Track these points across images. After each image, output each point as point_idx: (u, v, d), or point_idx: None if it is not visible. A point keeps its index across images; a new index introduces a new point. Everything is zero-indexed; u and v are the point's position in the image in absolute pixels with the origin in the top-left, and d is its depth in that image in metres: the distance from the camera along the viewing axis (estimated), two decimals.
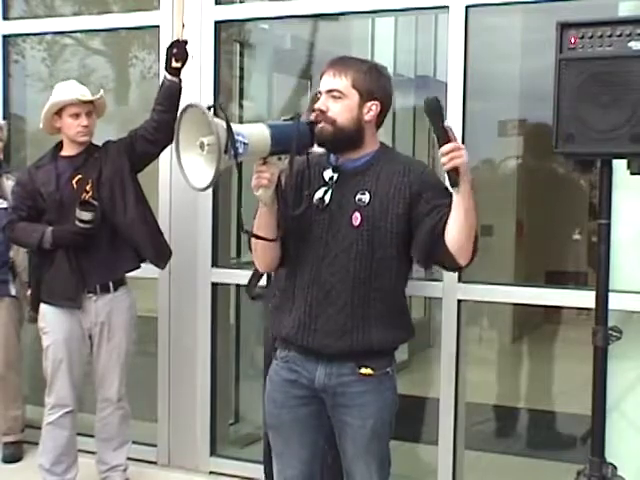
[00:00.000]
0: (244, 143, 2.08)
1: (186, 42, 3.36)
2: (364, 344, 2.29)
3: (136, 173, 3.53)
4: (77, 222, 3.31)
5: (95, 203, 3.35)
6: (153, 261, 3.55)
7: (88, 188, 3.42)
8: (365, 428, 2.34)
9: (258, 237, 2.29)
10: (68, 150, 3.51)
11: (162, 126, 3.39)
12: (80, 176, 3.43)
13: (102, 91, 3.53)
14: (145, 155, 3.52)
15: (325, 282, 2.29)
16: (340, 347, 2.29)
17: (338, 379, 2.33)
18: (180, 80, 3.40)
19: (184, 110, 2.11)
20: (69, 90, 3.46)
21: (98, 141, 3.56)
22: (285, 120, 2.24)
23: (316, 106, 2.29)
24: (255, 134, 2.14)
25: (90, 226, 3.32)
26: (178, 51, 3.34)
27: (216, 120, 2.05)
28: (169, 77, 3.39)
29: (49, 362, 3.48)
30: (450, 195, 2.17)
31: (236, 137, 2.07)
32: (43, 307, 3.49)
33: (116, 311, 3.49)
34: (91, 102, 3.47)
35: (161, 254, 3.57)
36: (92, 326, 3.48)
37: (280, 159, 2.21)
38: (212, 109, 2.08)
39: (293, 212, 2.28)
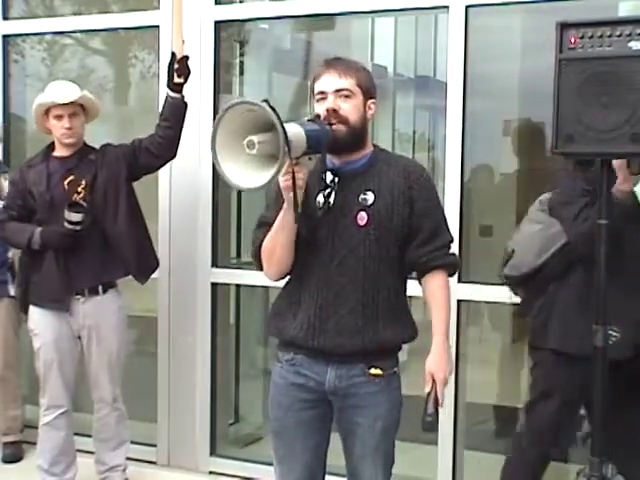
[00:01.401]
0: (290, 141, 2.02)
1: (187, 58, 3.35)
2: (376, 342, 2.30)
3: (132, 181, 3.50)
4: (65, 223, 3.26)
5: (84, 204, 3.31)
6: (135, 277, 3.52)
7: (80, 190, 3.37)
8: (375, 429, 2.34)
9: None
10: (60, 151, 3.47)
11: (167, 142, 3.40)
12: (72, 177, 3.39)
13: (85, 91, 3.45)
14: (147, 167, 3.51)
15: (335, 283, 2.29)
16: (353, 346, 2.28)
17: (349, 381, 2.33)
18: (183, 96, 3.38)
19: (229, 108, 2.01)
20: (51, 92, 3.40)
21: (97, 142, 3.54)
22: (308, 120, 2.21)
23: (327, 106, 2.28)
24: (295, 133, 2.07)
25: (79, 228, 3.27)
26: (180, 67, 3.32)
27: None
28: (172, 94, 3.37)
29: (41, 363, 3.47)
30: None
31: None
32: (31, 309, 3.48)
33: (105, 314, 3.44)
34: (74, 103, 3.39)
35: (143, 270, 3.53)
36: (80, 328, 3.45)
37: (310, 159, 2.20)
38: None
39: (316, 214, 2.26)
